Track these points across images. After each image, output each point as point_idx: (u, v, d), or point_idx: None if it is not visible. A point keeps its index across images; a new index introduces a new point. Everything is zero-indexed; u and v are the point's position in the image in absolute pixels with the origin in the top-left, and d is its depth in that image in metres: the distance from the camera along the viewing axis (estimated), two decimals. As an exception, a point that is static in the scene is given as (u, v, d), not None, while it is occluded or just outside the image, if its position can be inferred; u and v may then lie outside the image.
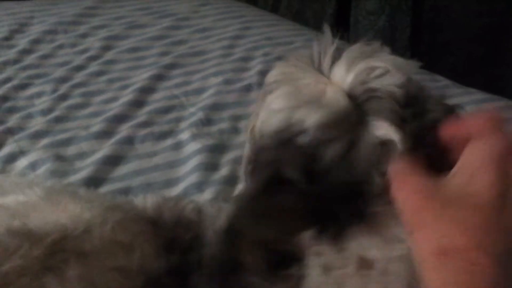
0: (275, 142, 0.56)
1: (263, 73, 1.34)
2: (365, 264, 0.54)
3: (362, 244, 0.54)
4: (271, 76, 0.60)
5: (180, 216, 0.64)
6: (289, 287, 0.56)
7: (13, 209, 0.65)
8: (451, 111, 0.59)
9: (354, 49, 0.58)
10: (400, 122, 0.55)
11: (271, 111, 0.58)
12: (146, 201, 0.73)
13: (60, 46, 1.49)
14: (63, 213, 0.65)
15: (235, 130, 1.12)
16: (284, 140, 0.56)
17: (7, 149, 1.04)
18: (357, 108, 0.56)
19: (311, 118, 0.55)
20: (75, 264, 0.57)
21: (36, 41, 1.50)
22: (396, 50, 0.67)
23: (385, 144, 0.55)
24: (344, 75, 0.56)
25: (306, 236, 0.55)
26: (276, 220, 0.56)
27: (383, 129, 0.54)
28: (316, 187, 0.54)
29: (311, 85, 0.57)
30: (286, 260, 0.56)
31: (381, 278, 0.54)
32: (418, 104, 0.56)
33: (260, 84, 1.30)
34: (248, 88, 1.28)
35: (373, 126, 0.55)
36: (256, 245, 0.56)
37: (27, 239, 0.59)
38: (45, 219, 0.64)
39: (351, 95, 0.56)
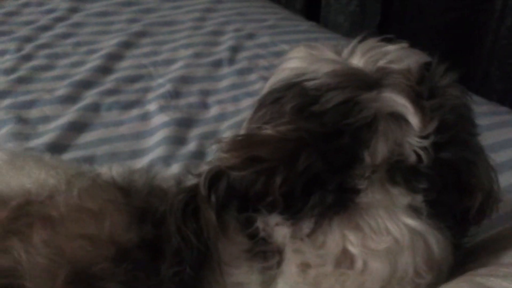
0: (282, 86, 0.57)
1: (233, 49, 1.33)
2: (344, 261, 0.54)
3: (344, 238, 0.54)
4: (292, 52, 0.60)
5: (153, 186, 0.62)
6: (264, 280, 0.55)
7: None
8: (466, 94, 0.59)
9: (368, 42, 0.60)
10: (416, 98, 0.54)
11: (285, 69, 0.59)
12: (111, 171, 0.70)
13: (26, 4, 1.44)
14: (27, 178, 0.63)
15: (204, 105, 1.10)
16: (291, 84, 0.57)
17: (-34, 106, 1.00)
18: (372, 78, 0.56)
19: (324, 69, 0.56)
20: (40, 229, 0.55)
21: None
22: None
23: (394, 116, 0.54)
24: (359, 59, 0.58)
25: (286, 233, 0.54)
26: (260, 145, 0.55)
27: (395, 101, 0.54)
28: (310, 124, 0.53)
29: (330, 57, 0.59)
30: (266, 250, 0.55)
31: (359, 277, 0.54)
32: (435, 83, 0.56)
33: (230, 60, 1.28)
34: (218, 63, 1.26)
35: (386, 96, 0.54)
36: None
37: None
38: (9, 184, 0.62)
39: (367, 70, 0.57)
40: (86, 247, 0.54)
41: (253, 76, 1.21)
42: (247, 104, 1.10)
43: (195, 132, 1.01)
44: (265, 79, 1.17)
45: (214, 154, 0.58)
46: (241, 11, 1.56)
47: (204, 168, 0.59)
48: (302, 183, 0.54)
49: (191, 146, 0.97)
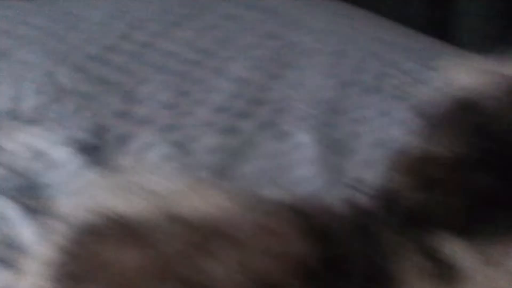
0: (457, 106, 0.59)
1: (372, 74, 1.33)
2: None
3: None
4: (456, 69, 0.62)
5: (325, 206, 0.64)
6: None
7: (165, 196, 0.68)
8: None
9: None
10: None
11: (457, 88, 0.61)
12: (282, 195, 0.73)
13: (171, 39, 1.50)
14: (208, 202, 0.68)
15: (356, 133, 1.13)
16: (467, 103, 0.59)
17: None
18: None
19: (494, 82, 0.59)
20: (230, 249, 0.59)
21: (147, 35, 1.51)
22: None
23: None
24: None
25: (473, 257, 0.55)
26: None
27: None
28: (490, 144, 0.53)
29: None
30: (451, 274, 0.55)
31: None
32: None
33: (373, 88, 1.29)
34: (361, 91, 1.28)
35: None
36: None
37: (183, 226, 0.62)
38: (196, 209, 0.66)
39: None
40: (275, 265, 0.58)
41: (398, 100, 1.22)
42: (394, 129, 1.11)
43: (352, 159, 1.04)
44: (424, 101, 1.18)
45: (386, 175, 0.60)
46: (375, 36, 1.56)
47: (376, 189, 0.60)
48: (477, 203, 0.54)
49: (348, 173, 1.00)
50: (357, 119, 1.17)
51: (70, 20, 1.58)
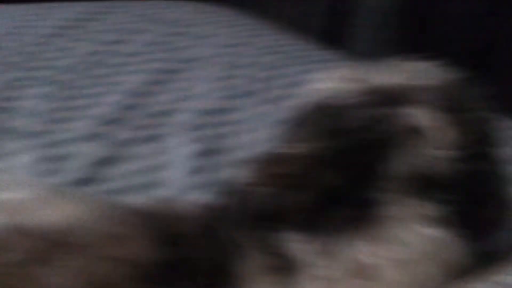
0: (308, 107, 0.62)
1: (257, 81, 1.36)
2: (361, 272, 0.55)
3: (360, 250, 0.55)
4: (319, 74, 0.67)
5: (174, 210, 0.65)
6: None
7: (10, 206, 0.66)
8: (489, 108, 0.61)
9: (396, 60, 0.65)
10: (438, 112, 0.57)
11: (312, 90, 0.65)
12: (137, 200, 0.74)
13: (58, 49, 1.49)
14: (57, 212, 0.67)
15: (225, 136, 1.13)
16: (317, 104, 0.62)
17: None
18: (396, 94, 0.59)
19: (349, 88, 0.60)
20: (69, 255, 0.59)
21: (33, 44, 1.50)
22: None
23: (417, 131, 0.56)
24: (385, 76, 0.62)
25: (302, 248, 0.56)
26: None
27: (418, 116, 0.55)
28: (330, 141, 0.55)
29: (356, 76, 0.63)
30: (282, 265, 0.57)
31: (373, 285, 0.55)
32: (459, 98, 0.58)
33: (254, 91, 1.31)
34: (241, 95, 1.30)
35: (409, 111, 0.57)
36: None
37: (28, 237, 0.62)
38: (40, 217, 0.65)
39: (391, 87, 0.60)
40: (112, 269, 0.57)
41: (277, 105, 1.24)
42: (265, 132, 1.13)
43: (219, 161, 1.04)
44: (290, 106, 1.21)
45: (237, 174, 0.61)
46: (266, 45, 1.59)
47: (223, 187, 0.62)
48: (320, 199, 0.56)
49: (215, 175, 1.00)
50: (228, 122, 1.18)
51: None
